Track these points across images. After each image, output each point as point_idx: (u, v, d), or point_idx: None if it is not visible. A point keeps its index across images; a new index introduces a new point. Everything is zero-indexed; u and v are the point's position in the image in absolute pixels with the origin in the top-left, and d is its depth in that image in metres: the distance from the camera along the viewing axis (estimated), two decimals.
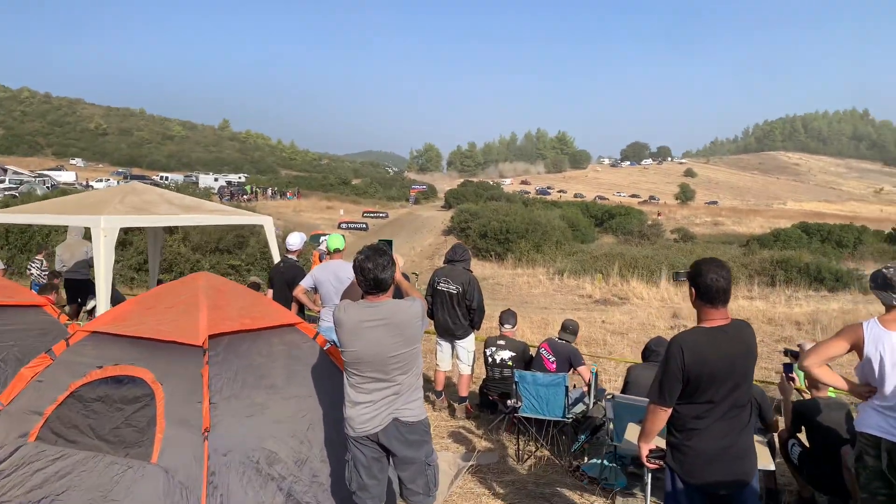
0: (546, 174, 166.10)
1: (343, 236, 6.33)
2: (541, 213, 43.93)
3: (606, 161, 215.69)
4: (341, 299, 3.59)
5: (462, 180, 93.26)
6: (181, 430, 3.28)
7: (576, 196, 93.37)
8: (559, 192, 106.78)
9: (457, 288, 6.49)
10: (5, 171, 55.74)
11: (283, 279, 6.48)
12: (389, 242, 3.91)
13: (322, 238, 13.25)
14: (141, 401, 3.38)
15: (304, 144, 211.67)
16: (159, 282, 9.85)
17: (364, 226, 53.98)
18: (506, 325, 6.54)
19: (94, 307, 8.46)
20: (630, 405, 4.75)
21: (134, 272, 23.61)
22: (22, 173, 56.57)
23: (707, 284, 2.88)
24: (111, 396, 3.44)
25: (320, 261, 11.36)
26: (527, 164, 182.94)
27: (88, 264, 9.40)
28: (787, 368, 5.26)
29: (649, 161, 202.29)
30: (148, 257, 10.44)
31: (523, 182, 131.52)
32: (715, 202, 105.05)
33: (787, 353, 7.56)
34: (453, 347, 6.76)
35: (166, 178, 74.10)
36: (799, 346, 7.32)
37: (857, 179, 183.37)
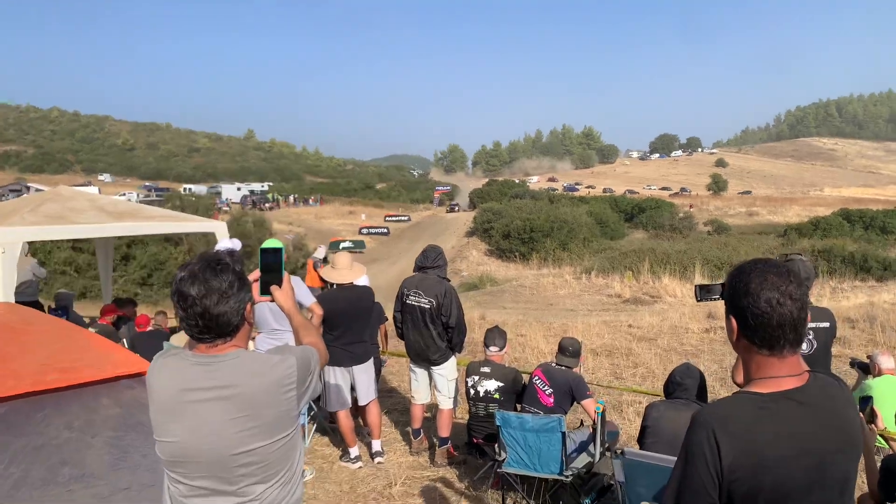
0: (573, 170, 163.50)
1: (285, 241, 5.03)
2: (567, 210, 42.47)
3: (635, 154, 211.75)
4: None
5: (487, 180, 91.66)
6: None
7: (605, 191, 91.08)
8: (587, 187, 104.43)
9: (429, 301, 5.17)
10: (28, 188, 56.36)
11: None
12: (278, 251, 2.18)
13: (319, 248, 11.96)
14: None
15: (329, 151, 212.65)
16: (116, 300, 8.72)
17: (385, 230, 53.04)
18: (491, 348, 5.15)
19: None
20: (646, 465, 3.37)
21: (138, 287, 22.90)
22: (42, 190, 57.18)
23: (762, 311, 1.47)
24: None
25: (315, 270, 10.17)
26: (553, 161, 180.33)
27: (35, 284, 8.35)
28: (864, 403, 3.76)
29: (679, 152, 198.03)
30: (100, 273, 9.31)
31: (550, 179, 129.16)
32: (749, 192, 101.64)
33: (854, 364, 6.06)
34: (430, 375, 5.43)
35: (189, 189, 74.55)
36: (869, 357, 5.82)
37: None
